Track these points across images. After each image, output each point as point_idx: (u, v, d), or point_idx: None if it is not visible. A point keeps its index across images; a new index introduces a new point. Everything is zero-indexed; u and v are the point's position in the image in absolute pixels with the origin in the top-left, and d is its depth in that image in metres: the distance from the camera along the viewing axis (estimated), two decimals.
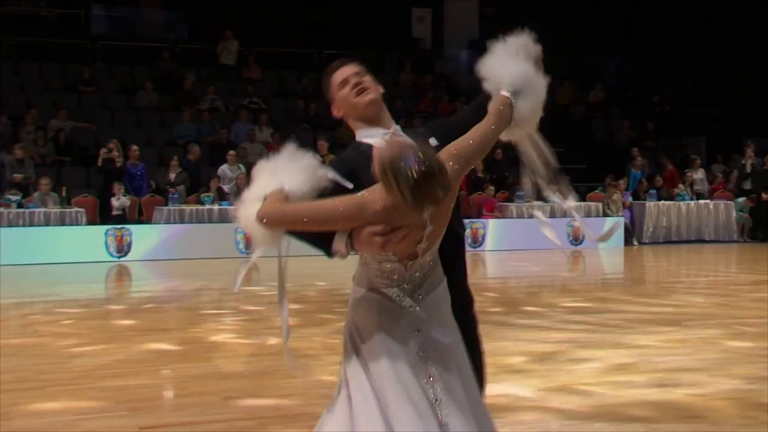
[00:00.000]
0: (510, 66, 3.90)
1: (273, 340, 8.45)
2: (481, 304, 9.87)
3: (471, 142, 3.47)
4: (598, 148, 24.02)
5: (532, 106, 3.74)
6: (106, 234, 16.26)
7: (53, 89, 21.87)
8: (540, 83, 3.82)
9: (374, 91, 3.71)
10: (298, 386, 6.74)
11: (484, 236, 18.07)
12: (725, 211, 20.02)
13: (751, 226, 19.94)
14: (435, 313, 3.40)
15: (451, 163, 3.35)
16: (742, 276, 15.08)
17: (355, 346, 3.40)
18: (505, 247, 17.84)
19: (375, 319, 3.36)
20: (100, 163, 17.84)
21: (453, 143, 3.46)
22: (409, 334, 3.34)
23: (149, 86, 21.57)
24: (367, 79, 3.75)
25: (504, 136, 3.75)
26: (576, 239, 18.53)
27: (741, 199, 20.06)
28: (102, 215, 17.47)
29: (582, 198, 20.37)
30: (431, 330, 3.36)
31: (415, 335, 3.35)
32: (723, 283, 14.00)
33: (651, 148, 23.71)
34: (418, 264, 3.36)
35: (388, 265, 3.35)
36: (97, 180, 18.36)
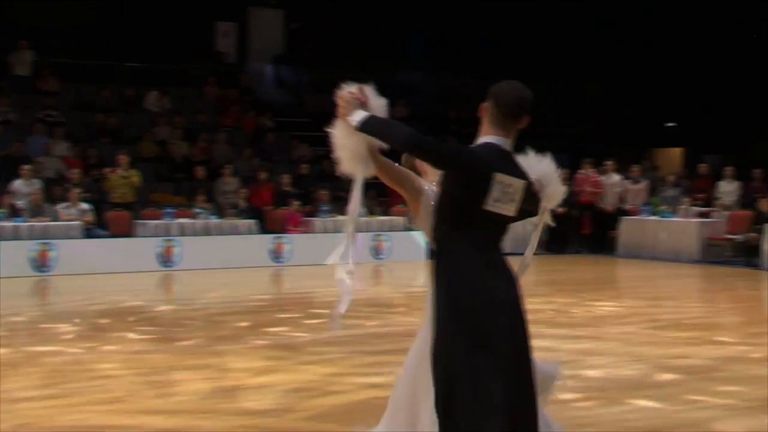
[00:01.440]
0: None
1: (60, 362, 8.14)
2: (294, 319, 9.72)
3: None
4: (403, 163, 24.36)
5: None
6: None
7: None
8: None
9: None
10: (97, 404, 6.52)
11: (289, 251, 18.03)
12: (522, 224, 20.65)
13: (546, 239, 20.73)
14: None
15: None
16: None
17: None
18: (310, 262, 17.84)
19: None
20: None
21: None
22: None
23: None
24: None
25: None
26: (380, 253, 18.77)
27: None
28: None
29: (386, 212, 20.67)
30: None
31: None
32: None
33: None
34: None
35: None
36: None
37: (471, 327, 4.10)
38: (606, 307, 12.27)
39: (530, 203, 4.53)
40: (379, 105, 4.39)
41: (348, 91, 4.37)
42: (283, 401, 7.05)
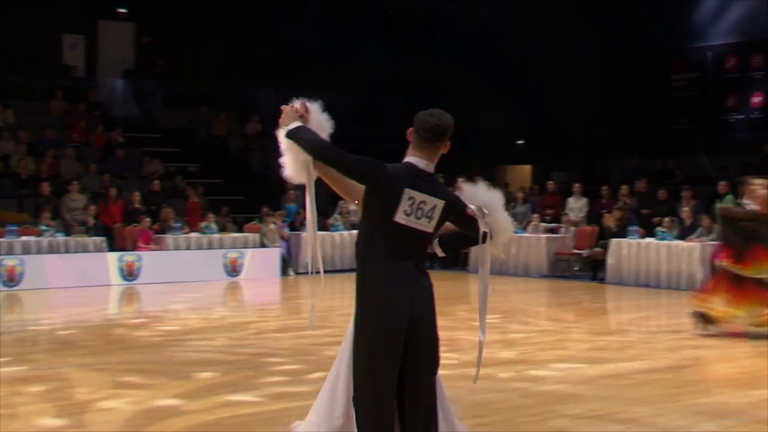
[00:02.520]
0: None
1: None
2: (144, 338, 9.51)
3: None
4: (256, 179, 24.24)
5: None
6: None
7: None
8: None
9: None
10: None
11: (140, 269, 17.62)
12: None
13: None
14: None
15: None
16: None
17: None
18: (161, 280, 17.49)
19: None
20: None
21: None
22: None
23: None
24: None
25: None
26: (234, 270, 18.53)
27: None
28: None
29: (239, 229, 20.44)
30: None
31: None
32: None
33: None
34: None
35: None
36: None
37: (367, 334, 4.54)
38: (460, 320, 12.40)
39: (465, 226, 4.77)
40: (319, 120, 4.83)
41: (291, 104, 4.84)
42: (133, 423, 6.86)
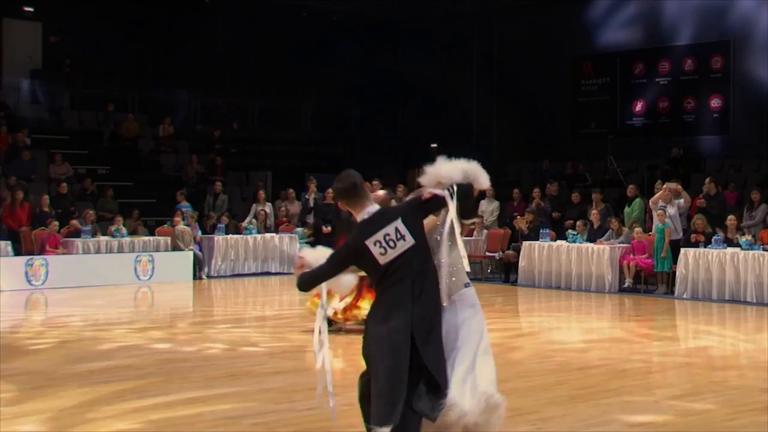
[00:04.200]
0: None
1: None
2: (50, 346, 9.26)
3: None
4: (167, 182, 23.92)
5: None
6: None
7: None
8: None
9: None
10: None
11: (47, 273, 17.23)
12: (290, 243, 20.73)
13: None
14: None
15: None
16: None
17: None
18: (69, 284, 17.14)
19: None
20: None
21: None
22: None
23: None
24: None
25: None
26: (145, 274, 18.27)
27: (300, 229, 21.00)
28: None
29: (151, 232, 20.15)
30: None
31: None
32: (282, 315, 14.45)
33: (220, 182, 24.03)
34: None
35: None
36: None
37: (370, 352, 5.36)
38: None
39: (438, 207, 5.50)
40: (315, 258, 5.45)
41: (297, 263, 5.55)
42: (40, 431, 6.72)
